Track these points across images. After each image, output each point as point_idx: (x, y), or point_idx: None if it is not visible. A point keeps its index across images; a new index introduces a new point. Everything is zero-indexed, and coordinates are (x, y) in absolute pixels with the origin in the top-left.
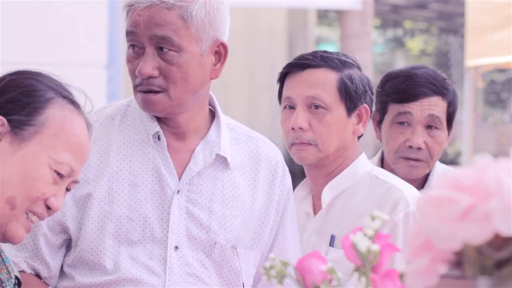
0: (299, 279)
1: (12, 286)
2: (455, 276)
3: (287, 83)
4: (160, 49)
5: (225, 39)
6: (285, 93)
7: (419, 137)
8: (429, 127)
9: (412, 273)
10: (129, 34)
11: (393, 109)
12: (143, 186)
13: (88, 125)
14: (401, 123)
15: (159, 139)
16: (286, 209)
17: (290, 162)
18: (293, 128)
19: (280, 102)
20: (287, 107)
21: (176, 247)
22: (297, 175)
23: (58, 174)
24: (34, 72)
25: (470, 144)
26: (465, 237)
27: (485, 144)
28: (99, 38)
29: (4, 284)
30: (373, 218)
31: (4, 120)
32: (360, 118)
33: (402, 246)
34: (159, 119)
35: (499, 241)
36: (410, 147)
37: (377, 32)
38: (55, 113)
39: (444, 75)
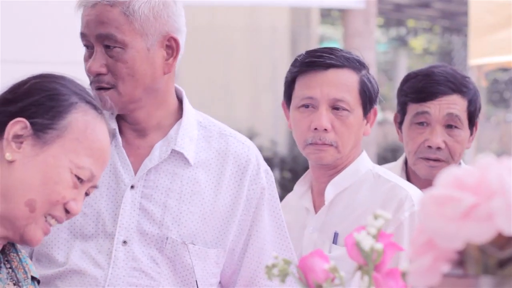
0: (301, 277)
1: (27, 286)
2: (457, 275)
3: (305, 81)
4: (107, 46)
5: (178, 33)
6: (303, 91)
7: (438, 137)
8: (449, 126)
9: (414, 272)
10: (81, 35)
11: (412, 109)
12: (100, 182)
13: (110, 131)
14: (420, 123)
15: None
16: (260, 209)
17: (293, 161)
18: (315, 129)
19: (287, 99)
20: (305, 106)
21: (125, 242)
22: (300, 174)
23: (79, 178)
24: (58, 75)
25: (473, 143)
26: (467, 236)
27: (488, 143)
28: None
29: (20, 284)
30: (376, 217)
31: (27, 123)
32: (368, 119)
33: (407, 245)
34: (120, 116)
35: (502, 240)
36: (430, 147)
37: (380, 31)
38: (78, 118)
39: (464, 74)
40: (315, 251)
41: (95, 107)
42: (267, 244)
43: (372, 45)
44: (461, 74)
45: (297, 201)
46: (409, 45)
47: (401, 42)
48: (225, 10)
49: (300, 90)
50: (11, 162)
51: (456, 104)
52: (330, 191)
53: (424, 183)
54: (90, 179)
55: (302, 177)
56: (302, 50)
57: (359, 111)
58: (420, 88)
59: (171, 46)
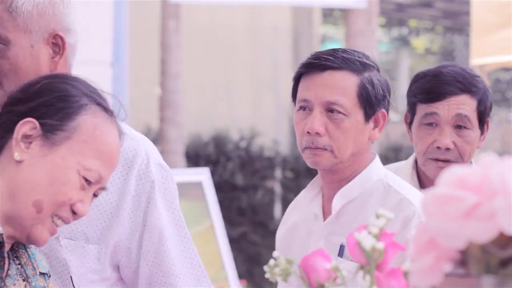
0: (303, 277)
1: (37, 282)
2: (459, 275)
3: (304, 83)
4: None
5: (66, 32)
6: (301, 94)
7: (447, 138)
8: (458, 127)
9: (416, 271)
10: None
11: (421, 109)
12: None
13: (121, 134)
14: (429, 124)
15: None
16: (152, 204)
17: (295, 161)
18: (308, 132)
19: (294, 101)
20: (303, 109)
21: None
22: (302, 173)
23: (86, 180)
24: (70, 76)
25: None
26: (470, 235)
27: (490, 142)
28: (104, 36)
29: (29, 280)
30: (378, 216)
31: (37, 123)
32: (376, 123)
33: None
34: None
35: (504, 240)
36: (439, 148)
37: (382, 31)
38: (87, 119)
39: (475, 73)
40: (316, 250)
41: (105, 109)
42: (165, 240)
43: (374, 45)
44: (471, 73)
45: (306, 206)
46: (411, 45)
47: (403, 41)
48: (226, 10)
49: (300, 92)
50: (19, 162)
51: (465, 104)
52: (338, 200)
53: (434, 183)
54: (98, 181)
55: (313, 180)
56: (304, 50)
57: (358, 115)
58: (429, 88)
59: (58, 44)
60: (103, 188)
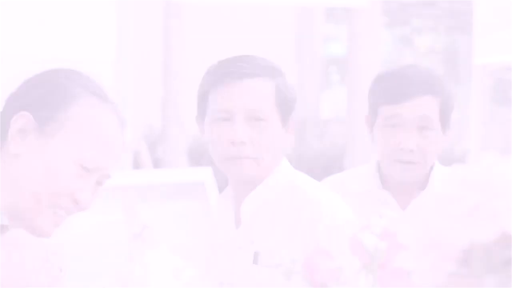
0: (306, 277)
1: None
2: (462, 274)
3: (220, 93)
4: None
5: None
6: (219, 104)
7: (412, 139)
8: (422, 127)
9: (420, 271)
10: None
11: (384, 111)
12: None
13: (121, 121)
14: (393, 126)
15: None
16: None
17: (297, 159)
18: (232, 142)
19: (199, 111)
20: (222, 119)
21: None
22: (303, 172)
23: (84, 167)
24: (65, 69)
25: (477, 143)
26: (472, 235)
27: (491, 142)
28: (107, 34)
29: None
30: (380, 216)
31: (30, 116)
32: (289, 128)
33: None
34: None
35: (506, 239)
36: (403, 149)
37: (384, 30)
38: (81, 108)
39: (436, 73)
40: (318, 250)
41: (101, 98)
42: None
43: (376, 44)
44: (433, 74)
45: (219, 218)
46: (414, 44)
47: (406, 41)
48: (229, 9)
49: (215, 102)
50: (16, 155)
51: (429, 105)
52: (247, 207)
53: (398, 186)
54: (96, 168)
55: (224, 190)
56: (306, 49)
57: (276, 121)
58: (392, 89)
59: None
60: (107, 176)
